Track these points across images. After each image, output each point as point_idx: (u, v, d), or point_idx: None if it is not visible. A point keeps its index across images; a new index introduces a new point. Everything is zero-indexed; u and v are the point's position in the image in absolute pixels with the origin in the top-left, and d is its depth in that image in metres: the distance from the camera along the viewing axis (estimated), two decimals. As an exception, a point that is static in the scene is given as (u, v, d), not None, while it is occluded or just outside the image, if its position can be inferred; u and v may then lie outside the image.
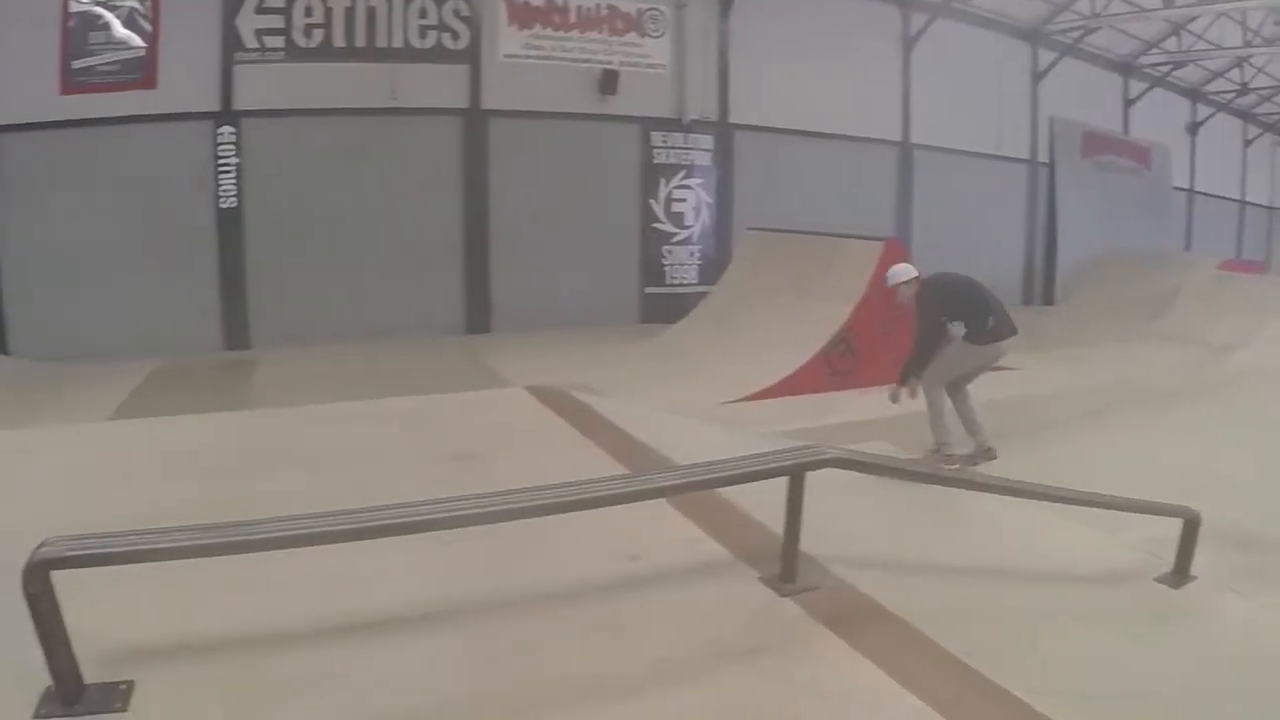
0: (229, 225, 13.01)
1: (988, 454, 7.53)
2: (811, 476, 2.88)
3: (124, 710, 2.31)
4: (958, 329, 7.56)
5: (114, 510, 3.37)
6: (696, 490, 3.17)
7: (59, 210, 12.11)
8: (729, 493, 3.54)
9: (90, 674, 2.32)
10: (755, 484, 2.86)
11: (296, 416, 5.98)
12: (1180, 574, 4.13)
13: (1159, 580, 4.05)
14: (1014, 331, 7.74)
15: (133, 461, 4.58)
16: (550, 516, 2.60)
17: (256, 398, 9.93)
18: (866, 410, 8.46)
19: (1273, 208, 32.31)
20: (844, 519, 3.67)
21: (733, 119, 15.41)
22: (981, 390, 8.83)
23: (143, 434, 5.41)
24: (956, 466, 7.05)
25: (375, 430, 5.07)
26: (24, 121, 12.13)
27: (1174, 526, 4.24)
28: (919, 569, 3.51)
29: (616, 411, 5.53)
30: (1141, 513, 4.32)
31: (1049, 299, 21.39)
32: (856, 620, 2.81)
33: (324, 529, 2.41)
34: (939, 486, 3.95)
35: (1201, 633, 3.72)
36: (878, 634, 2.73)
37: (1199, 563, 4.20)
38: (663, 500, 3.42)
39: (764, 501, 3.18)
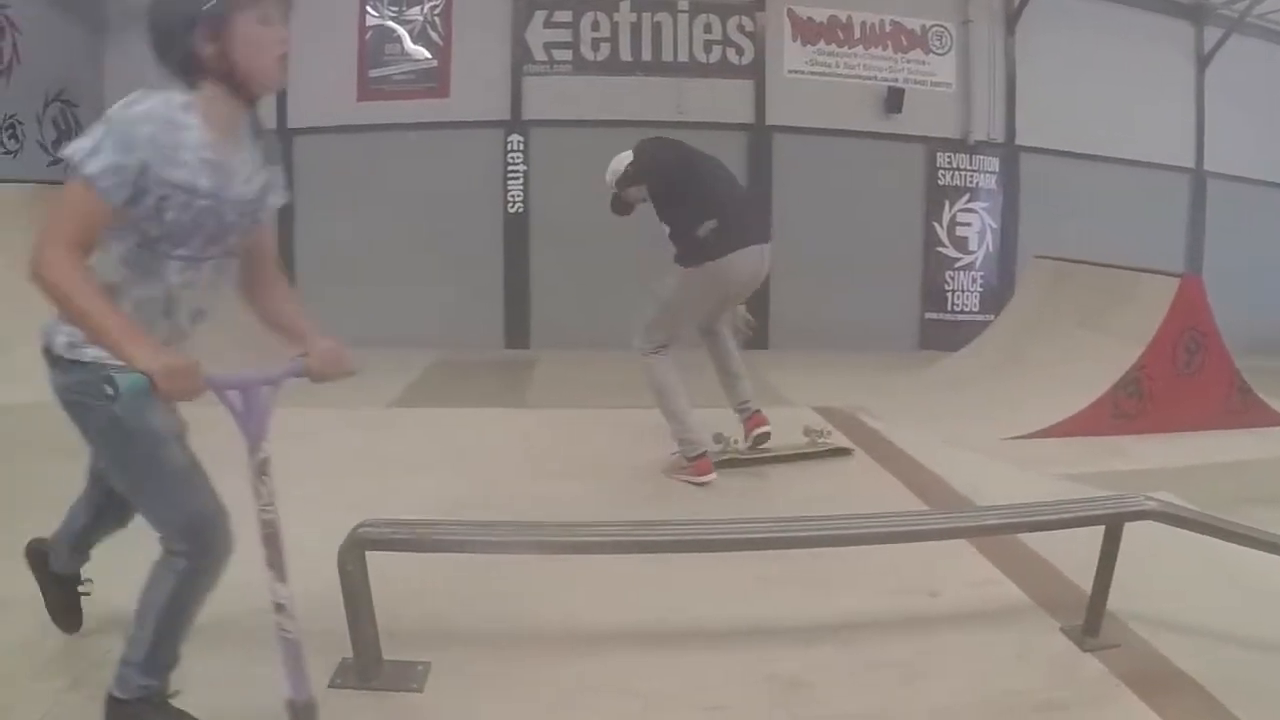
0: (515, 229, 13.92)
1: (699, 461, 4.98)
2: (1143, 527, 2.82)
3: (419, 691, 2.52)
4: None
5: (402, 496, 3.73)
6: (1010, 533, 3.21)
7: (353, 208, 13.28)
8: (1027, 534, 3.45)
9: (388, 651, 2.54)
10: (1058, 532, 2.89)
11: (576, 418, 6.31)
12: None
13: None
14: (755, 240, 5.29)
15: (417, 450, 5.00)
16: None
17: (533, 397, 10.57)
18: (1152, 458, 8.21)
19: None
20: (1147, 573, 3.48)
21: (1019, 141, 15.09)
22: (1261, 447, 8.79)
23: (426, 423, 5.91)
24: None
25: (655, 439, 5.09)
26: (324, 125, 13.34)
27: None
28: (1225, 636, 3.27)
29: (907, 440, 5.56)
30: None
31: None
32: (1158, 684, 2.71)
33: (619, 538, 2.58)
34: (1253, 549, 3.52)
35: None
36: (1180, 702, 2.62)
37: None
38: (965, 540, 3.46)
39: (1066, 548, 3.20)
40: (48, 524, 2.67)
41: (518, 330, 13.94)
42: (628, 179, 5.37)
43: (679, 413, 4.99)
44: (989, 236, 15.18)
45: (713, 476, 4.81)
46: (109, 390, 1.81)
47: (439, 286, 13.39)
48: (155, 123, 2.05)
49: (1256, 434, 9.45)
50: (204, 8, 2.07)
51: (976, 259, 15.13)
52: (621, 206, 5.63)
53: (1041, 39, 14.96)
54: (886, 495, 4.34)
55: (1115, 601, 2.96)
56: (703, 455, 4.88)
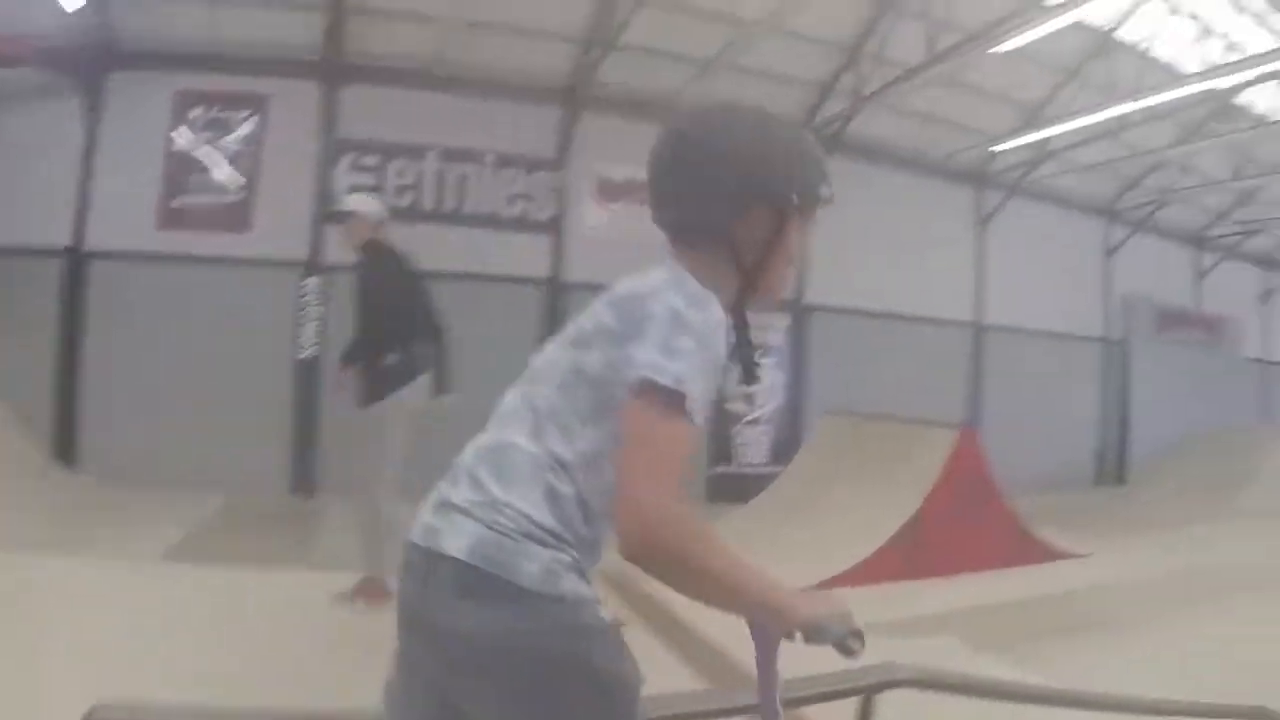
0: (306, 374, 13.66)
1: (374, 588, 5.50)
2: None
3: None
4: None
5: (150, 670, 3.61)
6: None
7: (145, 337, 12.88)
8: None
9: None
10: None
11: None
12: None
13: None
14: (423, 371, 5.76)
15: (187, 615, 4.80)
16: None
17: (320, 555, 9.89)
18: (936, 602, 8.52)
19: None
20: None
21: (808, 300, 15.66)
22: (1039, 583, 9.36)
23: (200, 586, 5.64)
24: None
25: None
26: (120, 249, 13.02)
27: None
28: None
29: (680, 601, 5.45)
30: (1213, 717, 4.28)
31: (1121, 479, 21.42)
32: None
33: None
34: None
35: None
36: None
37: None
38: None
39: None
40: None
41: (304, 476, 13.65)
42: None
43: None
44: (778, 392, 15.65)
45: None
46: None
47: (228, 426, 12.98)
48: (724, 328, 1.76)
49: (1038, 570, 10.10)
50: (799, 188, 1.87)
51: (767, 413, 15.57)
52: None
53: (835, 203, 15.52)
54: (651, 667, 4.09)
55: None
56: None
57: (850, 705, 2.83)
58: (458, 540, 1.71)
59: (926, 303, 17.29)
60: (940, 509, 9.74)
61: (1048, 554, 10.64)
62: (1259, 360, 26.89)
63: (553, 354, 1.88)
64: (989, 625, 7.83)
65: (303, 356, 13.74)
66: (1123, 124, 16.06)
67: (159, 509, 10.85)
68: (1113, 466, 21.76)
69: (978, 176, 18.18)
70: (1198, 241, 24.60)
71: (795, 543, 9.84)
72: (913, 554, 9.44)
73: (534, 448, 1.75)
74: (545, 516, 1.71)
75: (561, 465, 1.74)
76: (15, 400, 11.49)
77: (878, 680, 2.78)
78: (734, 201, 1.83)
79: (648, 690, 1.85)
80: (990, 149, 16.62)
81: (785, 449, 14.73)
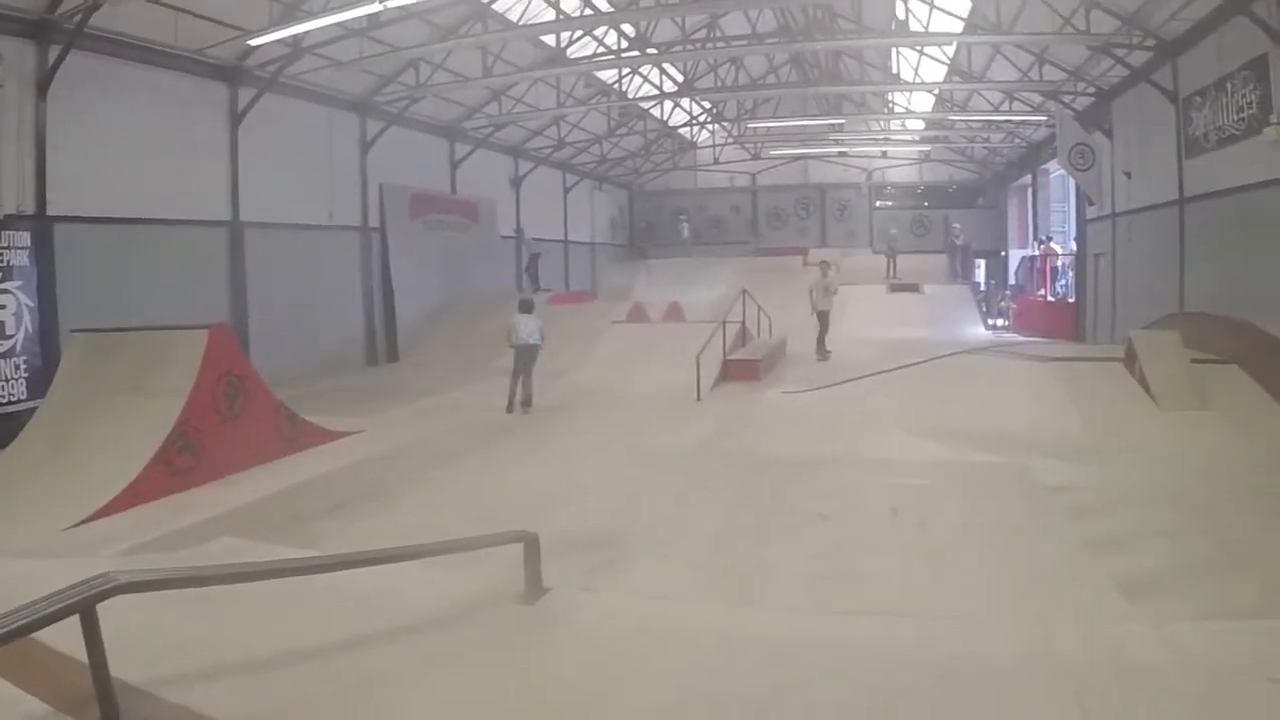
0: None
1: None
2: (121, 601, 2.84)
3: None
4: None
5: None
6: None
7: None
8: (49, 635, 3.05)
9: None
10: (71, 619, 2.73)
11: None
12: (533, 590, 4.81)
13: (517, 601, 4.70)
14: None
15: None
16: None
17: None
18: (216, 505, 8.67)
19: (594, 244, 38.38)
20: (165, 637, 3.78)
21: (53, 211, 14.68)
22: (319, 464, 10.02)
23: None
24: None
25: None
26: None
27: (520, 548, 4.91)
28: (251, 668, 3.65)
29: None
30: (478, 548, 4.90)
31: (394, 357, 23.48)
32: None
33: None
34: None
35: (562, 633, 4.39)
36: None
37: (551, 574, 4.95)
38: None
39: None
40: None
41: None
42: None
43: None
44: (27, 316, 14.28)
45: None
46: None
47: None
48: None
49: (312, 454, 10.80)
50: None
51: (17, 343, 14.14)
52: None
53: (76, 104, 15.01)
54: None
55: (142, 672, 3.20)
56: None
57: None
58: None
59: (183, 205, 17.33)
60: (204, 412, 9.82)
61: (322, 437, 11.35)
62: (513, 237, 31.01)
63: None
64: (261, 519, 8.36)
65: None
66: (376, 21, 17.10)
67: None
68: (384, 346, 23.83)
69: (233, 72, 18.38)
70: (452, 133, 27.44)
71: (64, 479, 9.42)
72: (181, 464, 9.44)
73: None
74: None
75: None
76: None
77: (92, 593, 2.79)
78: None
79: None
80: (246, 43, 16.82)
81: (43, 380, 13.28)
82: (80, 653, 2.92)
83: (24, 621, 2.64)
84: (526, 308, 15.72)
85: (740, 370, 17.03)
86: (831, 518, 8.44)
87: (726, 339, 17.36)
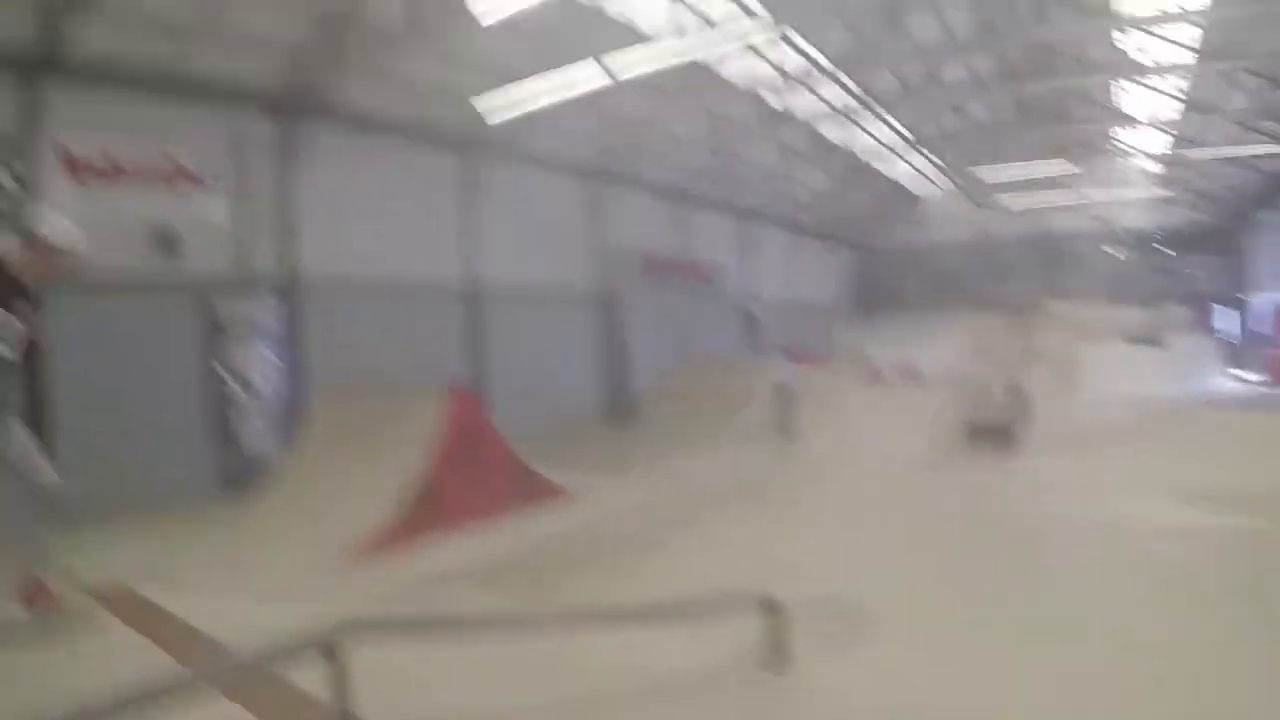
0: None
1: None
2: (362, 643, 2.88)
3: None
4: None
5: None
6: (220, 684, 2.99)
7: None
8: (294, 675, 3.40)
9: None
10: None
11: None
12: (780, 658, 4.66)
13: (764, 669, 4.53)
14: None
15: None
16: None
17: None
18: (452, 559, 8.82)
19: (823, 305, 38.00)
20: (403, 681, 3.73)
21: (302, 276, 15.37)
22: (556, 523, 10.06)
23: None
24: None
25: None
26: None
27: (764, 614, 4.75)
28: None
29: (191, 606, 5.48)
30: (725, 610, 4.76)
31: (629, 420, 23.03)
32: None
33: None
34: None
35: (814, 705, 4.22)
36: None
37: (795, 640, 4.76)
38: (218, 694, 3.21)
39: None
40: None
41: None
42: None
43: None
44: (276, 375, 15.07)
45: None
46: None
47: None
48: None
49: (549, 513, 10.85)
50: None
51: (266, 398, 14.91)
52: None
53: (321, 175, 15.59)
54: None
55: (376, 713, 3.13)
56: None
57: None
58: None
59: (423, 269, 17.76)
60: (442, 469, 10.08)
61: (560, 496, 11.49)
62: (741, 302, 30.47)
63: None
64: (497, 573, 8.35)
65: None
66: (604, 91, 17.32)
67: None
68: (620, 409, 23.51)
69: (466, 143, 18.78)
70: (680, 196, 27.27)
71: (305, 527, 9.80)
72: (422, 517, 9.69)
73: None
74: None
75: None
76: None
77: (336, 632, 2.84)
78: None
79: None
80: (478, 115, 17.22)
81: (288, 434, 14.16)
82: (322, 692, 3.03)
83: (269, 654, 2.79)
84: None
85: (984, 433, 15.92)
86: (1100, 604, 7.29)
87: (965, 400, 16.19)
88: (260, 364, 15.00)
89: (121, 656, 4.72)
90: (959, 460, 14.45)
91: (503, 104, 17.11)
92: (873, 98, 22.90)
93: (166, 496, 12.69)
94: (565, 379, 21.47)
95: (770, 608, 4.74)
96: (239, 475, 13.85)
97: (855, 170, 32.49)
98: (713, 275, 28.65)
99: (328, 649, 2.86)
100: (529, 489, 11.24)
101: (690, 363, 24.22)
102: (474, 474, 10.37)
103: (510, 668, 4.25)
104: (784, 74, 21.64)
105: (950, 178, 33.77)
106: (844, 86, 22.46)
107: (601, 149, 22.61)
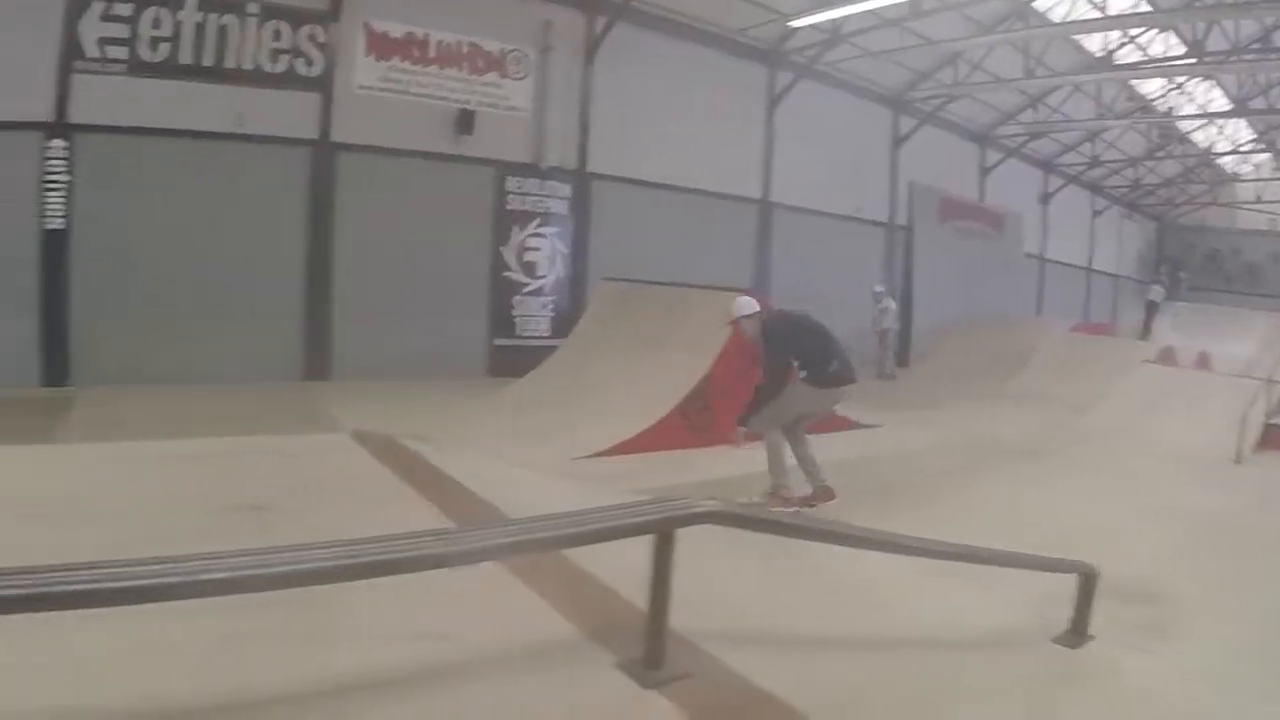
0: (54, 247, 12.41)
1: (825, 493, 7.54)
2: (681, 536, 2.43)
3: None
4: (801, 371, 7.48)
5: None
6: (538, 549, 2.53)
7: None
8: (585, 559, 3.01)
9: None
10: (614, 548, 2.39)
11: (81, 455, 5.51)
12: (1078, 633, 4.08)
13: (1057, 641, 3.96)
14: (854, 379, 7.81)
15: None
16: (344, 584, 2.06)
17: (60, 436, 9.24)
18: (724, 468, 8.38)
19: (1118, 275, 34.63)
20: (712, 585, 3.20)
21: (591, 168, 15.56)
22: (841, 447, 9.37)
23: None
24: (795, 509, 7.13)
25: (161, 474, 4.54)
26: None
27: (1061, 583, 4.18)
28: (801, 643, 3.12)
29: (453, 463, 5.12)
30: (1037, 569, 4.18)
31: (903, 361, 21.99)
32: (740, 713, 2.41)
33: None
34: (815, 544, 3.36)
35: (1112, 697, 3.62)
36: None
37: (1095, 620, 4.15)
38: (500, 566, 2.92)
39: (625, 566, 2.69)
40: None
41: (56, 365, 12.39)
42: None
43: (784, 469, 7.57)
44: (559, 262, 15.50)
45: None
46: None
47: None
48: None
49: (828, 438, 9.76)
50: None
51: (546, 284, 15.41)
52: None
53: (619, 71, 15.62)
54: (418, 523, 3.19)
55: (685, 619, 2.56)
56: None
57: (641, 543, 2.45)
58: None
59: (714, 177, 17.41)
60: (724, 376, 9.69)
61: (839, 424, 10.73)
62: (1036, 256, 28.51)
63: None
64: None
65: (51, 228, 12.46)
66: (916, 10, 16.26)
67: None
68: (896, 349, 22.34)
69: (771, 55, 18.26)
70: (984, 138, 25.66)
71: (576, 412, 9.81)
72: (697, 421, 9.46)
73: None
74: None
75: None
76: None
77: (675, 514, 2.44)
78: None
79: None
80: (787, 25, 16.70)
81: (566, 321, 14.64)
82: (617, 579, 2.86)
83: (601, 525, 2.37)
84: None
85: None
86: None
87: (1269, 401, 14.17)
88: (546, 250, 15.36)
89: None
90: (1259, 458, 12.53)
91: (814, 18, 16.40)
92: (1201, 58, 20.43)
93: (443, 368, 13.52)
94: (847, 309, 20.24)
95: (1086, 576, 4.18)
96: (514, 355, 14.21)
97: (1170, 137, 29.77)
98: (1007, 225, 26.78)
99: (665, 531, 2.39)
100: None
101: (974, 311, 22.95)
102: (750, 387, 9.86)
103: (820, 587, 3.86)
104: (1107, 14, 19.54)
105: (1273, 159, 30.34)
106: (1178, 35, 20.25)
107: (909, 78, 21.59)
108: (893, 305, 19.17)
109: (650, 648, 2.44)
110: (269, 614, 2.27)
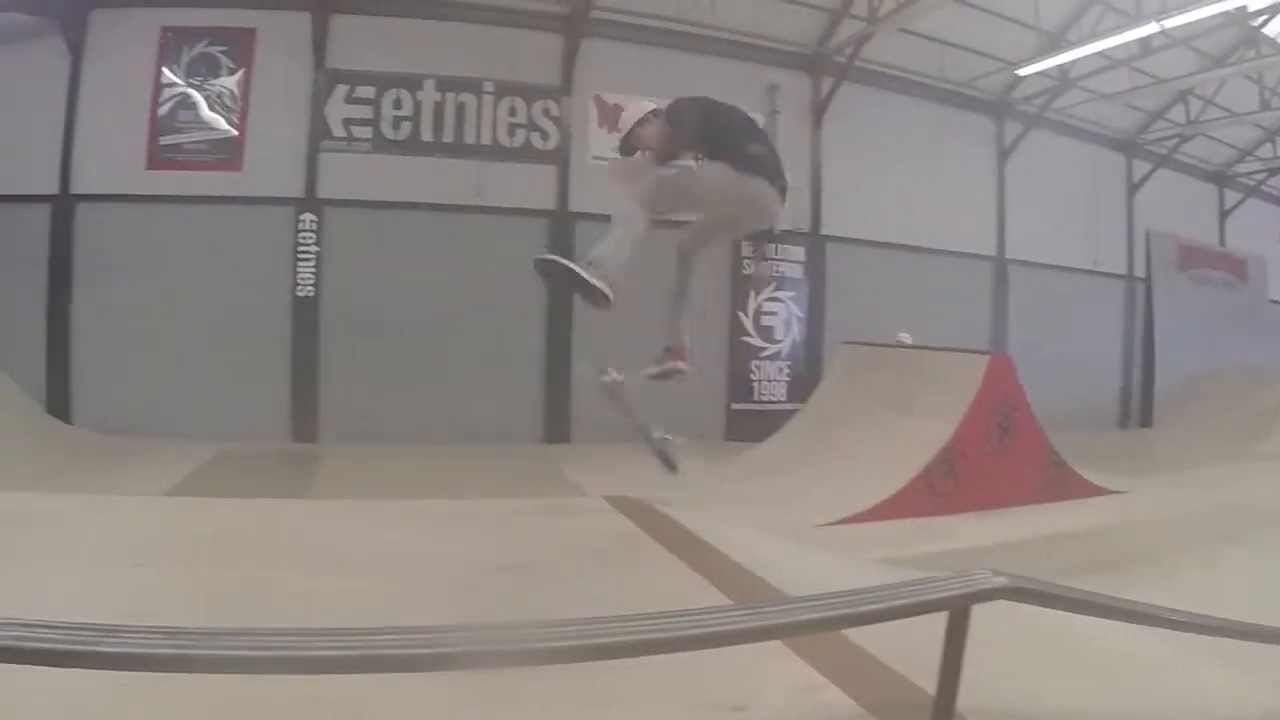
0: (304, 314, 13.30)
1: (679, 353, 5.92)
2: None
3: None
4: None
5: (118, 592, 3.29)
6: (837, 627, 2.55)
7: (135, 283, 12.53)
8: (853, 632, 2.87)
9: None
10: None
11: (348, 511, 5.75)
12: None
13: None
14: (784, 179, 5.39)
15: (161, 540, 4.42)
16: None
17: (315, 491, 9.93)
18: (973, 536, 8.21)
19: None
20: (993, 661, 2.88)
21: (825, 230, 15.44)
22: (1084, 517, 9.05)
23: (185, 513, 5.25)
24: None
25: (428, 533, 4.74)
26: (108, 193, 12.72)
27: None
28: None
29: (709, 529, 5.13)
30: None
31: (1147, 420, 21.06)
32: None
33: (314, 653, 1.79)
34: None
35: None
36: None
37: None
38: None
39: (895, 641, 2.68)
40: None
41: (305, 422, 13.22)
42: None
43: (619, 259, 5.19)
44: (795, 326, 15.36)
45: None
46: None
47: (225, 372, 12.63)
48: None
49: (1073, 505, 9.74)
50: None
51: (783, 348, 15.28)
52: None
53: (848, 130, 15.48)
54: (683, 591, 3.72)
55: (962, 699, 2.41)
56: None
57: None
58: None
59: (946, 235, 16.93)
60: (973, 440, 9.40)
61: (1086, 490, 10.30)
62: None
63: None
64: (1031, 560, 7.30)
65: (301, 294, 13.37)
66: (1145, 49, 15.72)
67: (157, 457, 10.66)
68: (1137, 408, 21.36)
69: (998, 105, 17.78)
70: (1221, 178, 24.10)
71: (817, 477, 9.65)
72: (942, 488, 9.12)
73: None
74: None
75: None
76: (4, 353, 11.30)
77: (972, 589, 2.32)
78: None
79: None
80: (1013, 73, 16.20)
81: (804, 385, 14.48)
82: (885, 653, 2.76)
83: (893, 603, 2.20)
84: None
85: None
86: None
87: None
88: (782, 314, 15.31)
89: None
90: None
91: (1041, 65, 15.85)
92: None
93: (680, 431, 13.07)
94: (1086, 367, 19.44)
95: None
96: (752, 420, 14.27)
97: None
98: (1250, 270, 24.98)
99: (959, 608, 2.26)
100: (1058, 481, 10.16)
101: (1218, 366, 21.31)
102: (1001, 454, 9.57)
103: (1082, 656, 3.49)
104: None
105: None
106: None
107: (1141, 120, 20.59)
108: None
109: (938, 726, 2.34)
110: (545, 681, 2.27)
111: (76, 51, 12.71)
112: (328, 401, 13.31)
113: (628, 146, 5.45)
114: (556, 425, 14.11)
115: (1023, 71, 16.07)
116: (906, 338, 12.76)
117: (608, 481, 9.18)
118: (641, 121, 5.37)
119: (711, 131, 5.22)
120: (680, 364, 5.75)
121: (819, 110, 15.42)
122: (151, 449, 11.14)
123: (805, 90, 15.47)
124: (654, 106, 5.39)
